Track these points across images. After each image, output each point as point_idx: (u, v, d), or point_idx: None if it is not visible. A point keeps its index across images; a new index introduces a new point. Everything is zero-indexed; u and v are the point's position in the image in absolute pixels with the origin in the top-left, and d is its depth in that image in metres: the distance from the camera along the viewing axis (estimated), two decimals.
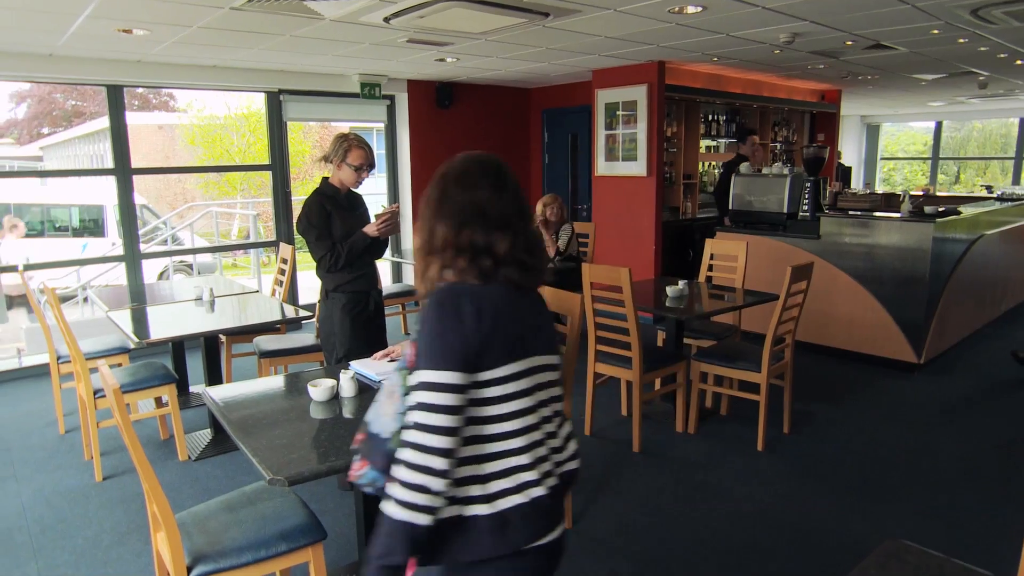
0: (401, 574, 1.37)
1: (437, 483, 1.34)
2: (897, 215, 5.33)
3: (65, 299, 7.92)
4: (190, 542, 2.05)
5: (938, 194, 9.95)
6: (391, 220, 3.35)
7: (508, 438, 1.43)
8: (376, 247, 3.45)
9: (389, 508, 1.35)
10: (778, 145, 8.57)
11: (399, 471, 1.35)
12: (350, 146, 3.34)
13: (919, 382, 5.01)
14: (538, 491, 1.44)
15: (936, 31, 4.80)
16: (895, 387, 4.91)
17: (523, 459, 1.44)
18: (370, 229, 3.36)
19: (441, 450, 1.34)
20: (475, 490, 1.42)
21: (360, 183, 3.45)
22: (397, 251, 7.31)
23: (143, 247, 6.49)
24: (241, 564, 2.03)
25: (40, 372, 5.45)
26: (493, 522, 1.41)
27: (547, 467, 1.49)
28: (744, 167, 6.66)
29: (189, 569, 1.97)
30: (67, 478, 3.67)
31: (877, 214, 5.52)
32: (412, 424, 1.36)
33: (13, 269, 5.28)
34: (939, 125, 12.59)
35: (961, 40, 5.14)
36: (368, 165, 3.38)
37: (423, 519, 1.33)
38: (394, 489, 1.35)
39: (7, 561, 2.91)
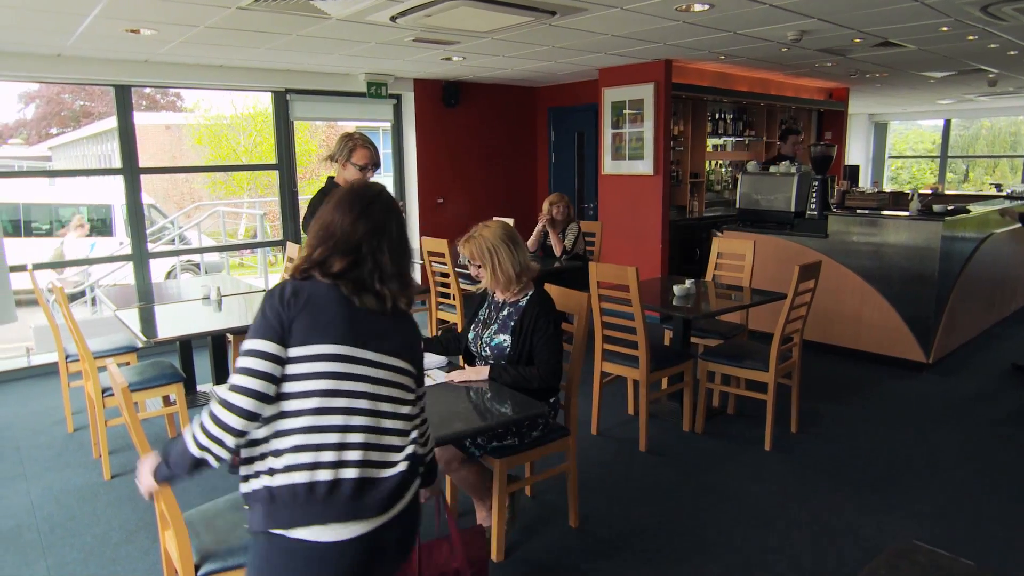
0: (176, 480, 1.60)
1: (231, 440, 1.48)
2: (905, 214, 5.30)
3: (73, 298, 7.96)
4: (198, 540, 2.06)
5: (947, 192, 9.89)
6: None
7: (304, 415, 1.49)
8: None
9: (189, 442, 1.50)
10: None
11: (205, 419, 1.49)
12: (355, 146, 3.35)
13: (928, 382, 4.99)
14: (322, 475, 1.48)
15: (945, 28, 4.77)
16: (904, 387, 4.89)
17: (317, 439, 1.49)
18: None
19: (243, 411, 1.47)
20: (270, 462, 1.50)
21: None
22: None
23: (151, 246, 6.51)
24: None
25: (49, 371, 5.48)
26: (266, 495, 1.48)
27: (352, 456, 1.51)
28: (751, 165, 6.64)
29: (197, 567, 1.98)
30: (75, 476, 3.69)
31: (885, 213, 5.49)
32: (228, 384, 1.49)
33: (22, 268, 5.31)
34: (948, 123, 12.51)
35: (971, 37, 5.10)
36: (373, 165, 3.39)
37: (212, 462, 1.51)
38: (197, 430, 1.50)
39: (17, 559, 2.93)
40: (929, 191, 8.72)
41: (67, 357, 4.20)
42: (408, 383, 1.65)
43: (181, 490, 3.40)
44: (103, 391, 3.57)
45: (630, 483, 3.51)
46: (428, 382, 2.63)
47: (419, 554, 2.11)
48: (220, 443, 1.48)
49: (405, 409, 1.64)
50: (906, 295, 5.17)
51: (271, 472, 1.50)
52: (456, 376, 2.72)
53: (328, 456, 1.49)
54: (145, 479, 1.64)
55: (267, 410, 1.50)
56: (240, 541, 2.06)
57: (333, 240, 1.61)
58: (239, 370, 1.49)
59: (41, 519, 3.25)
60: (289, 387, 1.51)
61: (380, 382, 1.58)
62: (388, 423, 1.59)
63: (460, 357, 3.06)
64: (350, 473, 1.50)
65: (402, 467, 1.58)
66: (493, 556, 2.79)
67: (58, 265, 8.00)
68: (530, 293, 2.83)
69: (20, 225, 10.71)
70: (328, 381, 1.52)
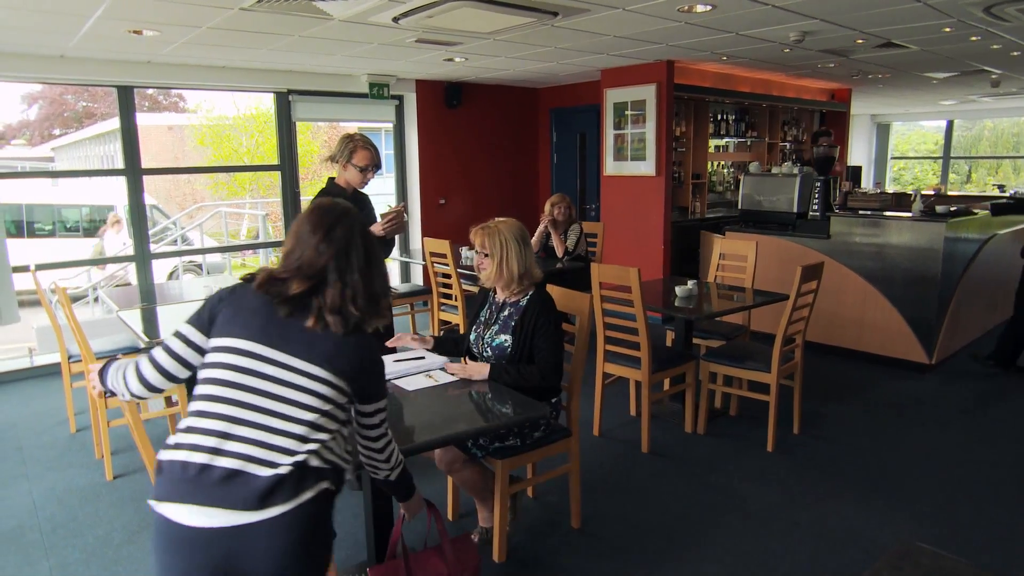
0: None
1: (127, 395, 1.70)
2: (908, 215, 5.29)
3: (76, 299, 7.97)
4: None
5: (949, 193, 9.87)
6: (396, 220, 3.35)
7: (200, 400, 1.58)
8: (382, 246, 3.45)
9: (107, 374, 1.74)
10: (787, 144, 8.54)
11: (121, 366, 1.72)
12: (356, 147, 3.34)
13: (930, 383, 4.98)
14: (197, 457, 1.51)
15: (948, 29, 4.76)
16: (906, 388, 4.88)
17: (203, 424, 1.54)
18: (375, 229, 3.35)
19: (145, 379, 1.66)
20: (171, 438, 1.59)
21: (366, 184, 3.45)
22: (406, 251, 7.32)
23: (153, 247, 6.51)
24: None
25: (51, 371, 5.49)
26: (157, 467, 1.57)
27: (231, 448, 1.52)
28: (753, 166, 6.64)
29: None
30: (78, 477, 3.69)
31: (888, 214, 5.49)
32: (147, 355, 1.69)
33: (25, 269, 5.32)
34: (950, 124, 12.49)
35: (974, 38, 5.10)
36: (373, 166, 3.38)
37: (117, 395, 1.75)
38: (114, 369, 1.73)
39: (19, 559, 2.93)
40: (932, 192, 8.72)
41: (69, 357, 4.20)
42: (328, 394, 1.60)
43: None
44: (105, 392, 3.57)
45: (632, 484, 3.50)
46: (430, 383, 2.63)
47: (406, 565, 2.12)
48: (119, 388, 1.71)
49: (310, 416, 1.58)
50: (908, 296, 5.16)
51: (166, 447, 1.58)
52: (456, 369, 2.72)
53: (209, 442, 1.53)
54: (95, 379, 1.81)
55: (170, 385, 1.68)
56: None
57: (298, 264, 1.64)
58: (161, 345, 1.66)
59: (43, 519, 3.25)
60: (200, 373, 1.62)
61: (287, 384, 1.57)
62: (283, 425, 1.56)
63: (463, 359, 3.05)
64: (224, 462, 1.51)
65: (283, 470, 1.53)
66: (495, 557, 2.79)
67: (65, 265, 8.00)
68: (531, 293, 2.83)
69: (23, 226, 10.73)
70: (227, 372, 1.57)
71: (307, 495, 1.56)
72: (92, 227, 11.28)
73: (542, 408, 2.47)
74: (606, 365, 4.03)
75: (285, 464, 1.54)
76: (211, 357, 1.61)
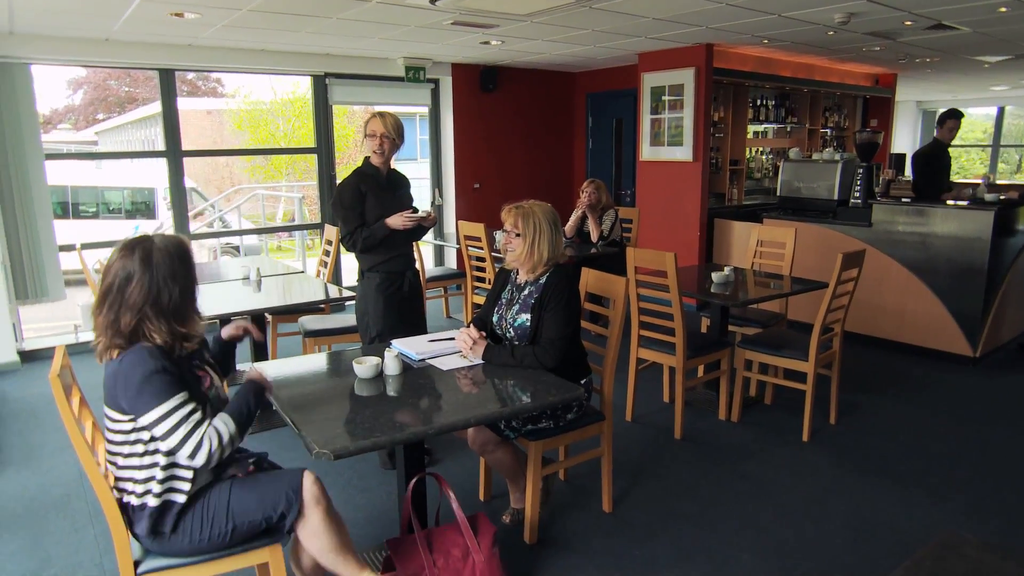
0: None
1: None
2: (955, 203, 5.13)
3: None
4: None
5: (999, 183, 9.54)
6: (416, 221, 3.36)
7: None
8: (415, 230, 3.44)
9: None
10: (828, 131, 8.34)
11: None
12: (369, 118, 3.37)
13: (975, 376, 4.84)
14: None
15: (1004, 9, 4.58)
16: (949, 380, 4.75)
17: None
18: (392, 221, 3.33)
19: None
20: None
21: (381, 153, 3.35)
22: (440, 235, 7.34)
23: (192, 229, 6.64)
24: (190, 562, 1.99)
25: None
26: None
27: None
28: (793, 152, 6.51)
29: (136, 564, 1.96)
30: None
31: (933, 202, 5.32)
32: None
33: (71, 248, 5.46)
34: (1001, 110, 12.05)
35: None
36: (384, 136, 3.31)
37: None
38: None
39: (65, 525, 3.04)
40: (980, 181, 8.43)
41: None
42: (118, 430, 2.00)
43: None
44: None
45: (664, 470, 3.48)
46: (464, 363, 2.63)
47: (421, 543, 2.14)
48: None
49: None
50: (953, 287, 5.02)
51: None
52: (458, 339, 2.71)
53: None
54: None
55: None
56: None
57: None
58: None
59: (88, 488, 3.35)
60: None
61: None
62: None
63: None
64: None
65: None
66: (526, 538, 2.80)
67: (110, 245, 8.19)
68: (551, 271, 2.77)
69: (68, 207, 11.03)
70: None
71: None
72: (134, 209, 11.54)
73: (577, 390, 2.46)
74: (640, 350, 4.00)
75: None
76: None
